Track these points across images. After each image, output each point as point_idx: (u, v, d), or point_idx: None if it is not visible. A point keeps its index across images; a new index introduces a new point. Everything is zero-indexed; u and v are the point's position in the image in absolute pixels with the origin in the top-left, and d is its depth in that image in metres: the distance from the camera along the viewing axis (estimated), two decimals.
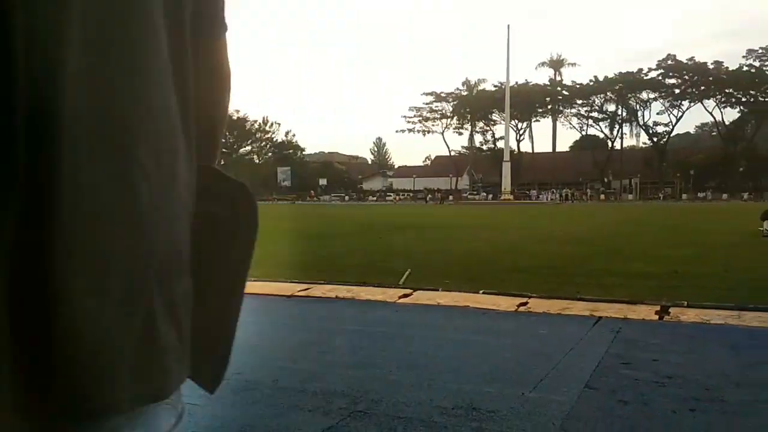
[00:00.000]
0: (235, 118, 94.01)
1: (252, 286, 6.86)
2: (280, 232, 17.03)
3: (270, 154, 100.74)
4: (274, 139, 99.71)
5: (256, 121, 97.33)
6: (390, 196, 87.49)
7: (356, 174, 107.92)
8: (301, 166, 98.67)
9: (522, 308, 5.74)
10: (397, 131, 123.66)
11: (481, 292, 6.50)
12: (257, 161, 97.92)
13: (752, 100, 78.20)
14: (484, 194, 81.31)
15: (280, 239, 14.58)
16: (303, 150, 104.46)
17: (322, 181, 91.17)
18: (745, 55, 77.12)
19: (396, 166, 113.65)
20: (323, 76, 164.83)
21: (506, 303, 5.95)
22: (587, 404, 3.19)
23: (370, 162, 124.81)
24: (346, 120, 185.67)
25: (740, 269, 8.28)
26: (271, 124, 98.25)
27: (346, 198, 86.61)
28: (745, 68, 76.86)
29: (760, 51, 76.06)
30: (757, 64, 76.56)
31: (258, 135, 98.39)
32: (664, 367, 3.79)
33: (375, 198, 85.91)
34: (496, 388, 3.42)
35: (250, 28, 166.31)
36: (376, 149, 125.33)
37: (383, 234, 16.17)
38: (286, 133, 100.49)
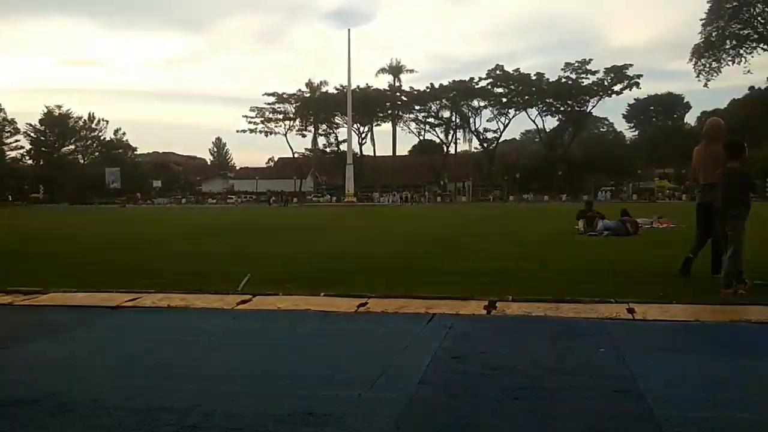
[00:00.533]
0: (56, 114, 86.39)
1: (71, 298, 6.33)
2: (105, 239, 15.88)
3: (97, 153, 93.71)
4: (102, 138, 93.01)
5: (81, 118, 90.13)
6: (231, 198, 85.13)
7: (194, 175, 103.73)
8: (134, 167, 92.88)
9: (361, 309, 5.80)
10: (238, 131, 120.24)
11: (321, 294, 6.48)
12: (82, 161, 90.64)
13: (569, 109, 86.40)
14: (328, 196, 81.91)
15: (106, 247, 13.57)
16: (135, 149, 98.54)
17: (156, 183, 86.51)
18: (563, 67, 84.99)
19: (237, 168, 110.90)
20: (159, 71, 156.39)
21: (346, 304, 5.98)
22: (421, 400, 3.27)
23: (209, 163, 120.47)
24: (183, 118, 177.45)
25: (558, 264, 9.04)
26: (98, 121, 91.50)
27: (183, 200, 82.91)
28: (563, 80, 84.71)
29: (576, 64, 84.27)
30: (573, 76, 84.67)
31: (83, 133, 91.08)
32: (491, 359, 4.00)
33: (215, 200, 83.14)
34: (332, 391, 3.40)
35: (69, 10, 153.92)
36: (215, 149, 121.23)
37: (222, 238, 15.65)
38: (116, 131, 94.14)
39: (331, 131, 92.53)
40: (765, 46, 74.83)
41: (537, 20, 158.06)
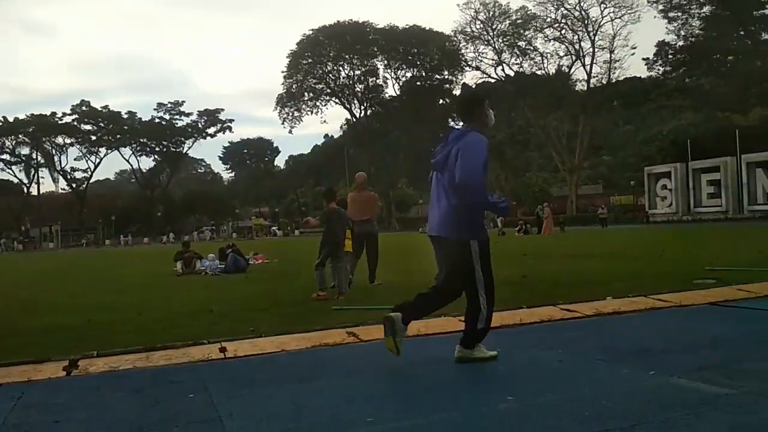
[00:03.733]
0: None
1: None
2: None
3: None
4: None
5: None
6: None
7: None
8: None
9: None
10: None
11: None
12: None
13: (165, 150, 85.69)
14: None
15: None
16: None
17: None
18: (156, 107, 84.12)
19: None
20: None
21: None
22: None
23: None
24: None
25: (153, 310, 8.63)
26: None
27: None
28: (156, 120, 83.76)
29: (169, 105, 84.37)
30: (167, 116, 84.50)
31: None
32: (66, 428, 3.52)
33: None
34: None
35: None
36: None
37: None
38: None
39: None
40: (336, 100, 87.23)
41: (126, 58, 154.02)
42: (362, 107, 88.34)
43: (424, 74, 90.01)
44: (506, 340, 5.41)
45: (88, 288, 13.13)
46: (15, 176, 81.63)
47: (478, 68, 74.83)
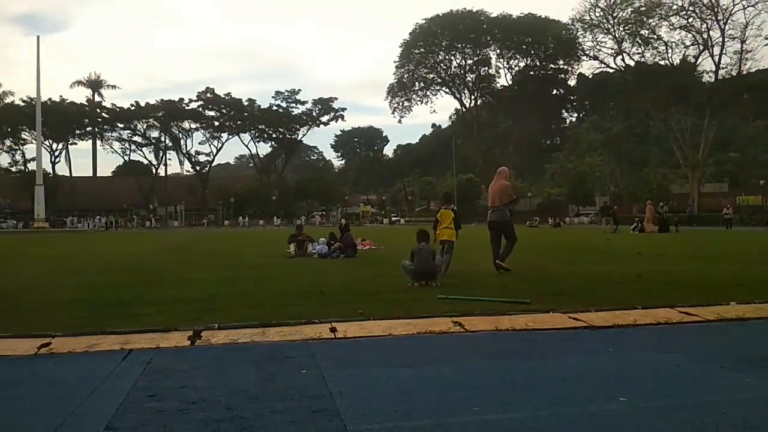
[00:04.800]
0: None
1: None
2: None
3: None
4: None
5: None
6: None
7: None
8: None
9: (43, 350, 5.07)
10: None
11: None
12: None
13: (281, 136, 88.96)
14: (14, 222, 71.29)
15: None
16: None
17: None
18: (274, 95, 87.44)
19: None
20: None
21: (24, 346, 5.17)
22: None
23: None
24: None
25: (268, 288, 9.07)
26: None
27: None
28: (274, 107, 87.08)
29: (286, 93, 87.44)
30: (284, 104, 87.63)
31: None
32: (190, 393, 3.79)
33: None
34: None
35: None
36: None
37: None
38: None
39: (17, 147, 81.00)
40: (446, 90, 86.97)
41: (248, 47, 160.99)
42: (472, 97, 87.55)
43: (537, 64, 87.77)
44: (620, 339, 5.22)
45: (209, 264, 13.98)
46: (145, 158, 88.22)
47: (596, 58, 71.69)
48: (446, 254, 10.23)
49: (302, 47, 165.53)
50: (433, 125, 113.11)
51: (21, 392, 3.98)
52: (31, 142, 76.80)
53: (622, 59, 69.49)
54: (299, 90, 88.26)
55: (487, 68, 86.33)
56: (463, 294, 7.69)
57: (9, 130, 77.48)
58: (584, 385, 4.05)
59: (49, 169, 79.72)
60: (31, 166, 76.14)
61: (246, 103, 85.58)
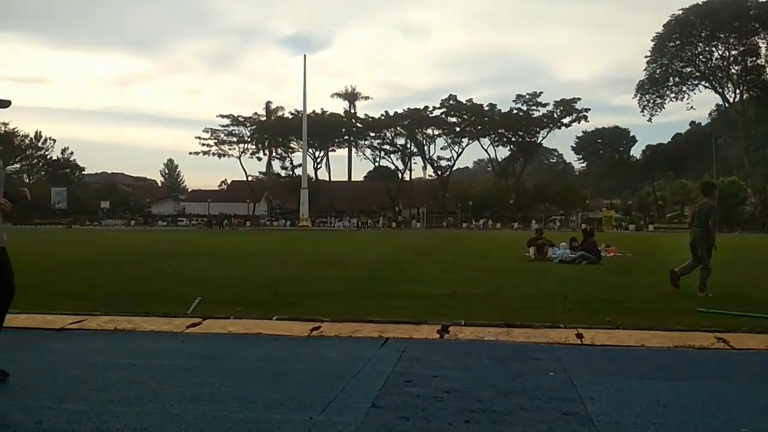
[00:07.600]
0: (2, 131, 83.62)
1: (14, 319, 6.10)
2: (52, 259, 15.41)
3: (43, 172, 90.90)
4: (48, 157, 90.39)
5: (27, 136, 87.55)
6: (182, 220, 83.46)
7: (144, 197, 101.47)
8: (81, 187, 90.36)
9: (314, 333, 5.76)
10: (191, 153, 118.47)
11: (274, 318, 6.42)
12: (27, 180, 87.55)
13: (520, 140, 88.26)
14: (283, 221, 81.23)
15: (48, 268, 13.17)
16: (82, 169, 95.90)
17: (104, 204, 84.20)
18: (515, 99, 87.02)
19: (189, 190, 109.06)
20: (108, 91, 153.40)
21: (299, 328, 5.93)
22: (372, 423, 3.26)
23: (160, 184, 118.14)
24: (133, 140, 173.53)
25: (509, 290, 9.16)
26: (45, 140, 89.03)
27: (132, 222, 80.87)
28: (514, 111, 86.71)
29: (527, 96, 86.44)
30: (524, 108, 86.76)
31: (29, 151, 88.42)
32: (443, 383, 4.02)
33: (165, 223, 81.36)
34: (283, 414, 3.36)
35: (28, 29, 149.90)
36: (167, 171, 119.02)
37: (171, 260, 15.32)
38: (63, 151, 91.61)
39: (287, 155, 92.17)
40: (706, 84, 78.50)
41: (488, 53, 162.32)
42: (737, 91, 77.59)
43: None
44: None
45: (453, 264, 14.52)
46: (392, 163, 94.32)
47: None
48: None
49: (544, 49, 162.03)
50: (692, 123, 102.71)
51: (298, 367, 4.58)
52: (298, 151, 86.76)
53: None
54: (540, 92, 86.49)
55: (755, 59, 75.80)
56: (724, 308, 6.96)
57: (280, 140, 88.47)
58: None
59: (312, 174, 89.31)
60: (298, 171, 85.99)
61: (486, 108, 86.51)
